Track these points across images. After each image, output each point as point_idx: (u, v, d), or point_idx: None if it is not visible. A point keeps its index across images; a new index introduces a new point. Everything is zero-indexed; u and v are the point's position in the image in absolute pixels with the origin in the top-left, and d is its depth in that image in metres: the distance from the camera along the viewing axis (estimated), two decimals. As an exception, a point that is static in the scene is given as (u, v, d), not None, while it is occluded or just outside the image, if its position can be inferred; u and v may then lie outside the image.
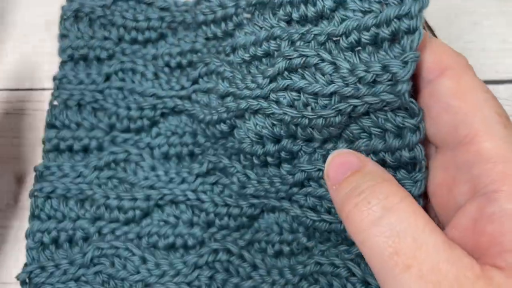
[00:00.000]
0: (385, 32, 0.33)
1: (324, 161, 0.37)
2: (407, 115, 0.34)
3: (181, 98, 0.45)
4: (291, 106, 0.37)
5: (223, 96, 0.42)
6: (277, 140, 0.40)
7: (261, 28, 0.40)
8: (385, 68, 0.32)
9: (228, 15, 0.43)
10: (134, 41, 0.49)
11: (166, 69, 0.47)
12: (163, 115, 0.46)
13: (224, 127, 0.42)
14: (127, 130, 0.47)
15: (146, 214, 0.45)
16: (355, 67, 0.34)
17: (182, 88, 0.46)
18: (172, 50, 0.47)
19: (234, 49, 0.42)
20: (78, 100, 0.46)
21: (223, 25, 0.44)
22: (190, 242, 0.44)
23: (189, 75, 0.45)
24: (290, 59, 0.36)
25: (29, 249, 0.43)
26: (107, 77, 0.48)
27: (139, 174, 0.45)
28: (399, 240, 0.27)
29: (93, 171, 0.45)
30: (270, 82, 0.37)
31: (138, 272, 0.44)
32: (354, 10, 0.34)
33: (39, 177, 0.45)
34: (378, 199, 0.29)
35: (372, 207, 0.28)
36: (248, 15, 0.42)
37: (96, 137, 0.46)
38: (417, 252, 0.26)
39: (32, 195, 0.44)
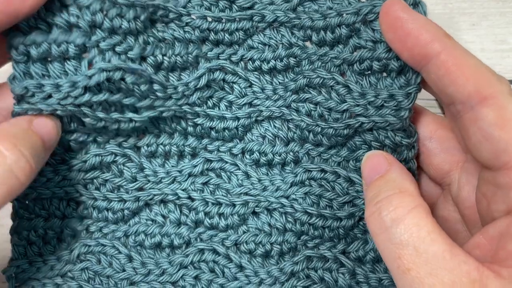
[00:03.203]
0: (394, 64, 0.40)
1: (327, 164, 0.44)
2: (405, 136, 0.42)
3: (180, 105, 0.42)
4: (308, 115, 0.42)
5: (239, 104, 0.43)
6: (287, 142, 0.44)
7: (277, 43, 0.43)
8: (392, 96, 0.40)
9: (243, 28, 0.42)
10: (113, 31, 0.39)
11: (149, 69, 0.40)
12: (152, 119, 0.43)
13: (241, 129, 0.44)
14: (115, 134, 0.44)
15: (135, 213, 0.45)
16: (366, 91, 0.41)
17: (183, 96, 0.42)
18: (166, 51, 0.41)
19: (245, 59, 0.43)
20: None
21: (235, 34, 0.42)
22: (177, 241, 0.44)
23: (189, 81, 0.42)
24: (310, 78, 0.42)
25: (15, 245, 0.44)
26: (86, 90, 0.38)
27: (126, 175, 0.44)
28: (402, 247, 0.31)
29: (77, 174, 0.43)
30: (292, 94, 0.42)
31: (124, 270, 0.44)
32: (366, 40, 0.40)
33: None
34: (388, 211, 0.33)
35: (383, 217, 0.33)
36: (260, 27, 0.43)
37: (76, 140, 0.42)
38: (416, 259, 0.30)
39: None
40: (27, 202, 0.44)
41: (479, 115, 0.33)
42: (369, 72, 0.41)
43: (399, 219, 0.32)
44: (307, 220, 0.43)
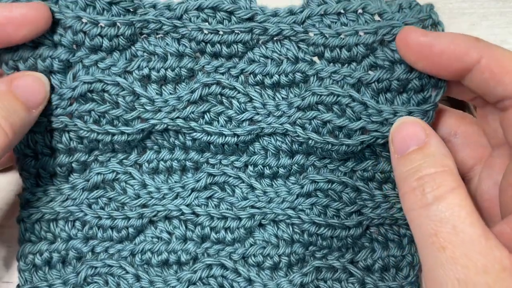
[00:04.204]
0: (416, 84, 0.39)
1: (333, 174, 0.43)
2: None
3: (173, 118, 0.42)
4: (316, 131, 0.41)
5: (239, 120, 0.42)
6: (292, 155, 0.43)
7: (280, 56, 0.41)
8: (410, 113, 0.39)
9: (242, 40, 0.41)
10: (95, 49, 0.41)
11: (140, 87, 0.41)
12: (151, 133, 0.43)
13: (241, 145, 0.43)
14: (112, 150, 0.44)
15: (139, 231, 0.45)
16: (383, 108, 0.39)
17: (174, 109, 0.42)
18: (154, 64, 0.41)
19: (246, 73, 0.41)
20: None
21: (233, 47, 0.41)
22: (184, 258, 0.44)
23: (182, 95, 0.41)
24: (321, 95, 0.40)
25: (21, 271, 0.43)
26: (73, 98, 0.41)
27: (129, 192, 0.44)
28: (441, 225, 0.32)
29: (81, 193, 0.44)
30: (298, 111, 0.41)
31: (132, 290, 0.43)
32: (384, 60, 0.39)
33: (25, 204, 0.43)
34: (432, 188, 0.33)
35: (426, 194, 0.33)
36: (261, 39, 0.41)
37: (78, 160, 0.43)
38: (453, 237, 0.31)
39: (19, 221, 0.44)
40: (33, 224, 0.43)
41: None
42: (387, 90, 0.40)
43: (441, 197, 0.32)
44: (315, 230, 0.43)
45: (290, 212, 0.43)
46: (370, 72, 0.40)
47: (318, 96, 0.40)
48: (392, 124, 0.39)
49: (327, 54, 0.40)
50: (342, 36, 0.39)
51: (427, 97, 0.40)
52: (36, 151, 0.42)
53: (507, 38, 0.53)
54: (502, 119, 0.37)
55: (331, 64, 0.41)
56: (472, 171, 0.41)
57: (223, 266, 0.44)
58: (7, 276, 0.46)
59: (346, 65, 0.40)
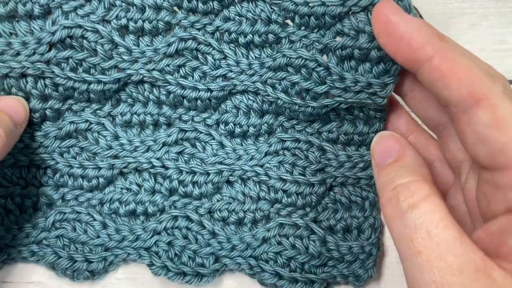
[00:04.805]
0: (374, 55, 0.40)
1: (300, 134, 0.44)
2: (378, 109, 0.43)
3: (149, 70, 0.43)
4: (285, 92, 0.42)
5: (213, 76, 0.43)
6: (262, 114, 0.45)
7: (254, 16, 0.42)
8: (370, 84, 0.40)
9: None
10: None
11: (118, 36, 0.42)
12: (126, 84, 0.44)
13: (214, 101, 0.44)
14: (86, 99, 0.45)
15: (110, 182, 0.46)
16: (346, 76, 0.40)
17: (151, 61, 0.43)
18: (133, 15, 0.42)
19: (221, 31, 0.42)
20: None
21: (209, 4, 0.41)
22: (151, 209, 0.45)
23: (158, 48, 0.42)
24: (290, 58, 0.41)
25: None
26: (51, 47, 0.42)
27: (101, 143, 0.45)
28: (415, 231, 0.32)
29: (53, 141, 0.45)
30: (269, 71, 0.42)
31: (99, 237, 0.45)
32: (350, 28, 0.40)
33: None
34: (405, 197, 0.34)
35: (400, 203, 0.34)
36: None
37: (51, 108, 0.44)
38: (428, 242, 0.32)
39: None
40: (4, 169, 0.45)
41: (473, 118, 0.33)
42: (350, 57, 0.41)
43: (415, 205, 0.33)
44: (281, 186, 0.44)
45: (257, 169, 0.44)
46: (337, 38, 0.41)
47: (288, 58, 0.41)
48: (354, 92, 0.41)
49: (297, 20, 0.41)
50: (310, 5, 0.40)
51: (387, 68, 0.40)
52: (10, 94, 0.43)
53: (507, 38, 0.53)
54: (455, 128, 0.36)
55: (302, 28, 0.41)
56: (461, 165, 0.41)
57: (188, 219, 0.45)
58: (7, 276, 0.47)
59: (316, 29, 0.41)
